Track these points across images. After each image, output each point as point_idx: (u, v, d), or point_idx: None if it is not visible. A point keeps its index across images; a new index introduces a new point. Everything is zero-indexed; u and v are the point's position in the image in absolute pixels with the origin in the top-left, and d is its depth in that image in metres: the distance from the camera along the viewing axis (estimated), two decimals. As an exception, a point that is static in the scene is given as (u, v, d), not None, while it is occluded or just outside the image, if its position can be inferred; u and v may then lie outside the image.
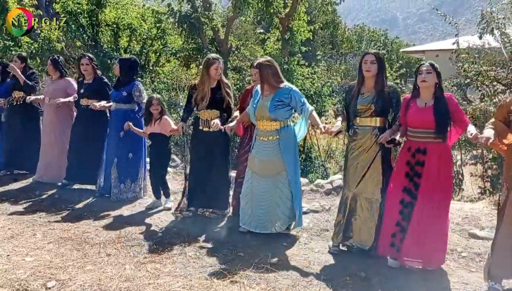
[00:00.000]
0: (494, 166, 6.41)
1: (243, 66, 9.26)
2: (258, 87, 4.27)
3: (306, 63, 8.67)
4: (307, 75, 7.90)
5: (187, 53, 10.05)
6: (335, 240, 3.93)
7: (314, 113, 4.09)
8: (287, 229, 4.30)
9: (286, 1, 8.84)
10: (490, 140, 3.09)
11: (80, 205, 5.22)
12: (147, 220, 4.71)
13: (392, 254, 3.61)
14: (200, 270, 3.47)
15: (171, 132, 5.00)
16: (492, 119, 3.39)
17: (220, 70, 4.65)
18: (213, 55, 4.78)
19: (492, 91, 6.79)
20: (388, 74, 8.11)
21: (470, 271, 3.61)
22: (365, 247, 3.81)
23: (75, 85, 5.96)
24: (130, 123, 5.12)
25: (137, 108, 5.45)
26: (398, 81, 7.92)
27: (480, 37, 7.01)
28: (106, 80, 5.83)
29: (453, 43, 7.19)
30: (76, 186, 5.95)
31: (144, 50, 12.72)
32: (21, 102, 6.38)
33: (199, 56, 9.83)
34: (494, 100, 6.59)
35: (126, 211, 5.04)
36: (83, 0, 12.50)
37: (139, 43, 12.91)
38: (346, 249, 3.92)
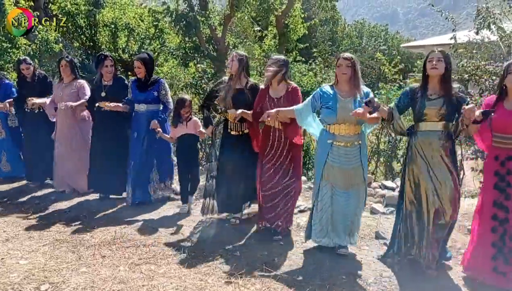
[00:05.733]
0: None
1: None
2: (326, 87, 3.82)
3: (303, 60, 8.66)
4: (305, 72, 7.87)
5: (184, 52, 10.02)
6: (397, 252, 3.61)
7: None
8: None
9: (282, -1, 8.83)
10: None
11: (77, 207, 5.19)
12: (143, 221, 4.67)
13: (499, 282, 3.18)
14: (195, 270, 3.45)
15: (200, 134, 4.92)
16: None
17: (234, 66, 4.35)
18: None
19: (491, 86, 6.74)
20: (386, 70, 8.06)
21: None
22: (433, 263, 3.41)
23: (87, 88, 5.59)
24: (158, 125, 4.91)
25: (161, 108, 5.14)
26: (396, 76, 7.83)
27: (477, 33, 6.95)
28: (126, 81, 5.47)
29: (451, 38, 7.14)
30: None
31: (142, 50, 12.71)
32: (41, 109, 5.82)
33: (196, 55, 9.80)
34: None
35: (122, 212, 5.01)
36: (81, 1, 12.52)
37: (137, 43, 12.91)
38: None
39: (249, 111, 4.20)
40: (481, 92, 6.82)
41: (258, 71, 9.44)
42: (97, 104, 5.26)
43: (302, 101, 3.98)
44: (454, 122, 3.38)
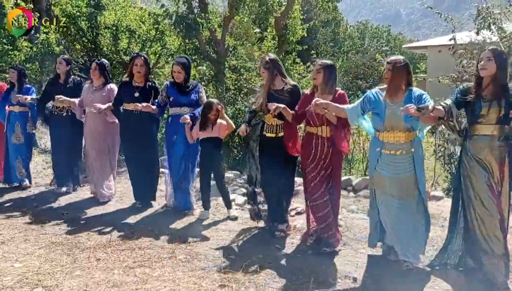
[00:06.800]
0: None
1: (240, 66, 9.24)
2: (374, 91, 3.60)
3: (302, 62, 8.66)
4: (303, 74, 7.84)
5: (184, 55, 10.03)
6: (449, 259, 3.51)
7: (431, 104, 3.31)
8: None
9: (281, 0, 8.82)
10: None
11: (75, 210, 5.17)
12: (140, 223, 4.66)
13: None
14: (189, 273, 3.43)
15: (228, 131, 4.80)
16: None
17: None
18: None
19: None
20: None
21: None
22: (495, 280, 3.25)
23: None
24: (188, 118, 4.73)
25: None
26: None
27: (477, 33, 6.92)
28: (157, 85, 5.32)
29: (450, 39, 7.12)
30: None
31: (143, 52, 12.71)
32: (70, 112, 5.70)
33: (196, 57, 9.78)
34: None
35: (120, 214, 4.99)
36: (82, 3, 12.54)
37: (138, 45, 12.92)
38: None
39: (291, 111, 4.06)
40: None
41: (258, 73, 9.44)
42: (132, 108, 5.01)
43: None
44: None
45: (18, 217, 4.89)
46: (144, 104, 4.88)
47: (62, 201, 5.52)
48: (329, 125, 3.89)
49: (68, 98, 5.49)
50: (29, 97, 5.88)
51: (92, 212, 5.06)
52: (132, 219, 4.79)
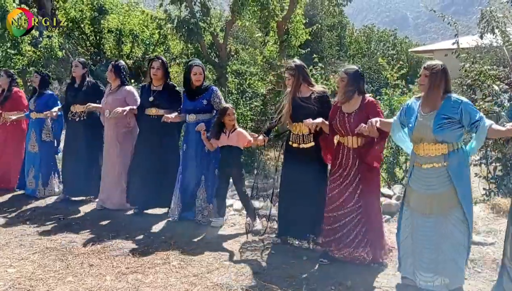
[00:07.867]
0: (499, 167, 6.24)
1: (244, 70, 9.25)
2: (412, 101, 3.35)
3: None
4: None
5: (186, 59, 10.07)
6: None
7: (495, 126, 3.05)
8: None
9: (283, 4, 8.80)
10: None
11: (71, 215, 5.16)
12: (135, 229, 4.63)
13: None
14: (182, 280, 3.40)
15: (248, 144, 4.49)
16: None
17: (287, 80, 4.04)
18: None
19: (494, 91, 6.63)
20: (388, 75, 7.92)
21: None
22: None
23: (137, 95, 5.18)
24: (204, 127, 4.52)
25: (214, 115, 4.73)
26: (399, 82, 7.68)
27: (481, 37, 6.86)
28: (177, 87, 5.04)
29: (453, 43, 7.05)
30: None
31: (146, 56, 12.76)
32: (84, 117, 5.47)
33: (198, 61, 9.83)
34: (497, 99, 6.44)
35: (115, 220, 4.97)
36: (86, 7, 12.64)
37: (141, 49, 12.99)
38: None
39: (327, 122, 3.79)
40: (484, 97, 6.72)
41: (260, 77, 9.44)
42: (148, 113, 4.85)
43: (382, 115, 3.62)
44: None
45: (14, 223, 4.89)
46: (171, 115, 4.64)
47: (60, 206, 5.49)
48: (358, 136, 3.61)
49: (95, 105, 5.25)
50: (56, 109, 5.71)
51: (89, 217, 5.05)
52: (129, 225, 4.76)
